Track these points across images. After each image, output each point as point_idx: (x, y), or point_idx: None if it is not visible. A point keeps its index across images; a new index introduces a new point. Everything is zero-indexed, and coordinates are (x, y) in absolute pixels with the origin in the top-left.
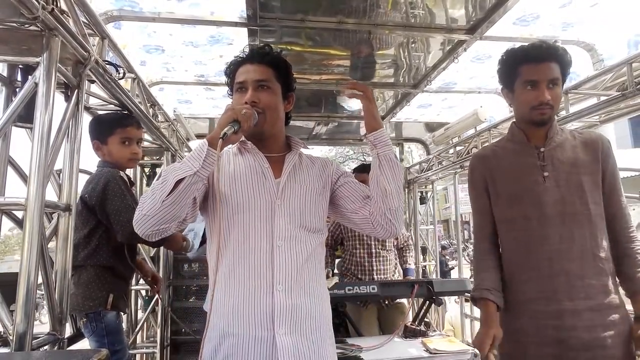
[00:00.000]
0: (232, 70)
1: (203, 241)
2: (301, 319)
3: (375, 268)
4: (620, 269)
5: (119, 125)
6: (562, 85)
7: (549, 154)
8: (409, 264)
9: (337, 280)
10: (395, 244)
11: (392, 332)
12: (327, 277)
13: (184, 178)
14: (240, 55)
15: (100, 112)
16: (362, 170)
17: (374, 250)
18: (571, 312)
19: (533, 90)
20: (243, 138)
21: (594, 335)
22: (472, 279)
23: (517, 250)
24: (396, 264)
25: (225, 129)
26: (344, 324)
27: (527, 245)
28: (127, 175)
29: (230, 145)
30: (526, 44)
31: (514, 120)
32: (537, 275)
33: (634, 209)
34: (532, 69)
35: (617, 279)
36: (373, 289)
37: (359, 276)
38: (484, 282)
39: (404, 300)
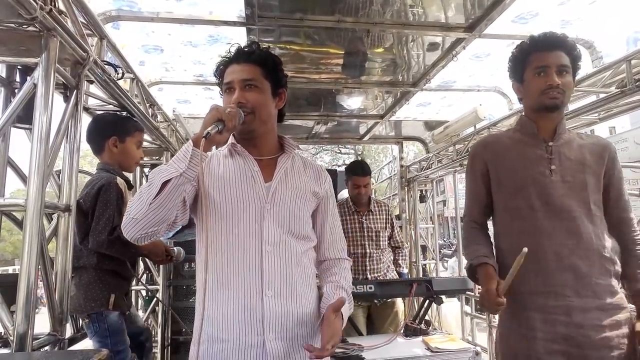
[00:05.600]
0: (220, 71)
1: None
2: (291, 325)
3: (368, 268)
4: (625, 269)
5: (137, 128)
6: (573, 76)
7: (557, 149)
8: (403, 268)
9: None
10: (389, 242)
11: (384, 330)
12: None
13: (170, 180)
14: (227, 56)
15: (99, 112)
16: (353, 172)
17: (367, 251)
18: (580, 309)
19: (543, 76)
20: (233, 140)
21: (602, 335)
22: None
23: (522, 240)
24: (390, 262)
25: (209, 129)
26: None
27: (533, 236)
28: (126, 179)
29: (220, 148)
30: (536, 34)
31: (523, 112)
32: (545, 268)
33: None
34: (541, 56)
35: (619, 280)
36: (370, 288)
37: (353, 275)
38: (479, 251)
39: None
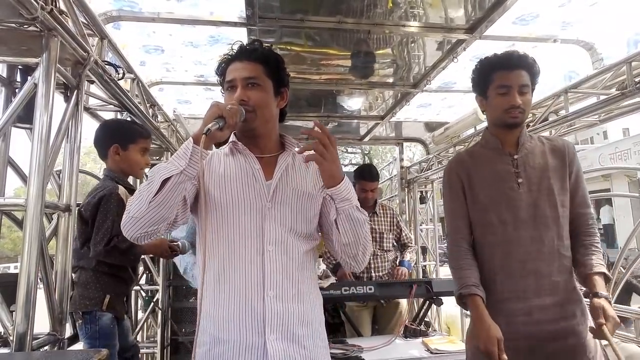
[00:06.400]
0: (222, 69)
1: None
2: (293, 325)
3: (373, 266)
4: (575, 256)
5: (141, 135)
6: (531, 92)
7: (522, 161)
8: (405, 258)
9: (334, 281)
10: (397, 239)
11: (388, 330)
12: (327, 276)
13: (170, 177)
14: (230, 53)
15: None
16: (362, 177)
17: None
18: (538, 307)
19: (505, 95)
20: (234, 138)
21: (558, 327)
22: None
23: (494, 253)
24: (395, 261)
25: (209, 125)
26: (344, 325)
27: (503, 248)
28: (129, 186)
29: (221, 147)
30: (499, 53)
31: (487, 127)
32: (510, 276)
33: None
34: (504, 75)
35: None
36: (370, 289)
37: (357, 274)
38: (469, 279)
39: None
